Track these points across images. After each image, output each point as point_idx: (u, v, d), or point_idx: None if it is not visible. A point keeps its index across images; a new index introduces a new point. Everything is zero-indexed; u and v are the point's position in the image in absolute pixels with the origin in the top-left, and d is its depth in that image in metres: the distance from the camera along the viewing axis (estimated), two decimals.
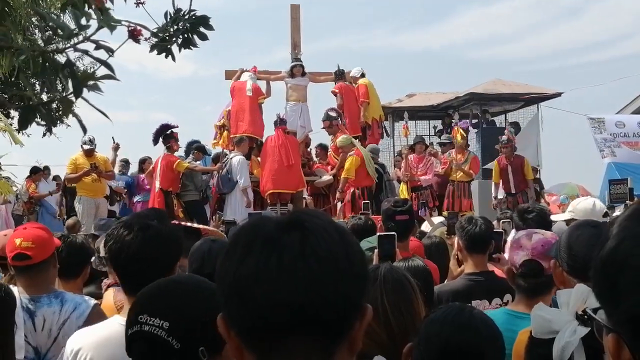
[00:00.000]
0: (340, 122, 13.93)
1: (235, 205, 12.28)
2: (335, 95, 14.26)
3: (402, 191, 13.46)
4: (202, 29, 2.95)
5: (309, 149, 14.73)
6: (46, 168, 16.13)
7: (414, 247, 5.23)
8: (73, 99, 2.45)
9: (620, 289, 1.06)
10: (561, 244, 2.80)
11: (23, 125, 2.61)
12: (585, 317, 2.16)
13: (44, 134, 23.80)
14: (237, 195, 12.49)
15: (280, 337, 1.17)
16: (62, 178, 15.79)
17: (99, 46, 2.42)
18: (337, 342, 1.21)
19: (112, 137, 13.43)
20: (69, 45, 2.48)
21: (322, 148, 14.74)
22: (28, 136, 22.36)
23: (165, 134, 12.44)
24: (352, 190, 12.54)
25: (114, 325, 2.53)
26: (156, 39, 2.82)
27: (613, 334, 1.10)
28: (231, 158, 12.56)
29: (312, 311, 1.16)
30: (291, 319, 1.15)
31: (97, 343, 2.55)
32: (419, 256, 4.83)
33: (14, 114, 20.35)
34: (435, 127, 21.45)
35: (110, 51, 2.46)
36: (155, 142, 12.49)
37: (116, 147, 13.39)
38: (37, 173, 14.92)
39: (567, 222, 5.60)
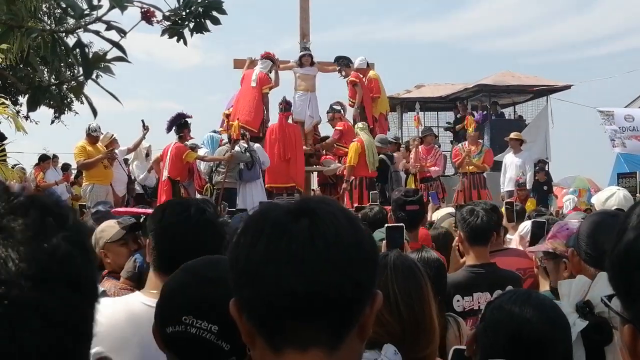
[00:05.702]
0: (342, 113, 13.97)
1: (255, 196, 12.11)
2: (355, 85, 14.21)
3: (410, 183, 13.44)
4: (214, 14, 2.91)
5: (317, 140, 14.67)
6: (55, 156, 16.09)
7: (420, 235, 5.20)
8: (83, 80, 2.40)
9: (637, 286, 1.05)
10: (580, 233, 2.79)
11: (32, 106, 2.57)
12: (586, 310, 2.14)
13: (52, 121, 23.87)
14: (258, 185, 12.48)
15: (289, 321, 1.17)
16: (71, 166, 15.84)
17: (110, 26, 2.38)
18: (346, 327, 1.20)
19: (142, 120, 13.44)
20: (79, 25, 2.44)
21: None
22: (36, 123, 22.49)
23: (179, 123, 12.44)
24: (351, 179, 12.57)
25: (136, 304, 2.41)
26: (168, 23, 2.78)
27: (629, 325, 1.09)
28: (254, 146, 12.54)
29: (320, 297, 1.15)
30: (299, 305, 1.15)
31: (109, 318, 2.37)
32: (426, 245, 4.82)
33: (22, 100, 20.41)
34: (449, 124, 21.20)
35: (122, 32, 2.42)
36: (169, 129, 12.46)
37: (146, 130, 13.42)
38: (45, 161, 14.83)
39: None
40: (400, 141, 16.59)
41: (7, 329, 0.78)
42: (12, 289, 0.79)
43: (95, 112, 2.68)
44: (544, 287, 3.57)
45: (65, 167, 16.10)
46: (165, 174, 12.36)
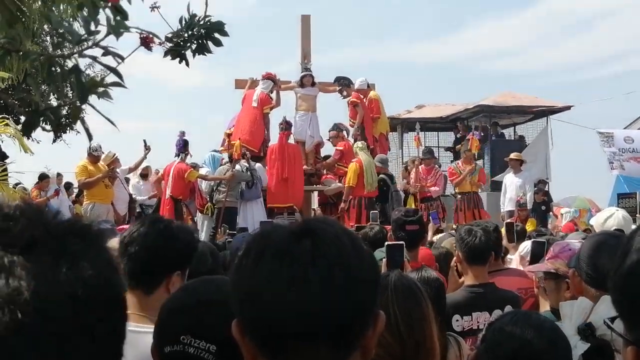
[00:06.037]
0: (345, 133, 14.04)
1: (256, 215, 12.17)
2: (356, 105, 14.23)
3: (410, 203, 13.42)
4: (216, 35, 2.93)
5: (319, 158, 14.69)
6: (59, 175, 16.09)
7: (424, 255, 5.18)
8: (80, 105, 2.41)
9: None
10: (581, 254, 2.78)
11: (27, 130, 2.58)
12: (588, 332, 2.13)
13: (54, 140, 23.87)
14: (259, 204, 12.51)
15: (291, 341, 1.17)
16: (73, 185, 15.83)
17: (107, 52, 2.39)
18: (348, 348, 1.20)
19: (144, 140, 13.67)
20: (76, 50, 2.44)
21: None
22: (37, 142, 22.47)
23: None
24: (349, 199, 12.56)
25: None
26: (170, 44, 2.79)
27: (632, 347, 1.09)
28: (255, 165, 12.58)
29: (322, 319, 1.16)
30: (302, 327, 1.15)
31: None
32: (429, 265, 4.81)
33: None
34: (453, 149, 20.99)
35: (120, 58, 2.43)
36: (180, 151, 12.60)
37: (148, 150, 13.60)
38: (45, 180, 14.73)
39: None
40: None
41: (54, 346, 0.82)
42: (59, 308, 0.83)
43: (90, 137, 2.70)
44: (545, 307, 3.57)
45: (67, 186, 16.10)
46: (167, 192, 12.43)
